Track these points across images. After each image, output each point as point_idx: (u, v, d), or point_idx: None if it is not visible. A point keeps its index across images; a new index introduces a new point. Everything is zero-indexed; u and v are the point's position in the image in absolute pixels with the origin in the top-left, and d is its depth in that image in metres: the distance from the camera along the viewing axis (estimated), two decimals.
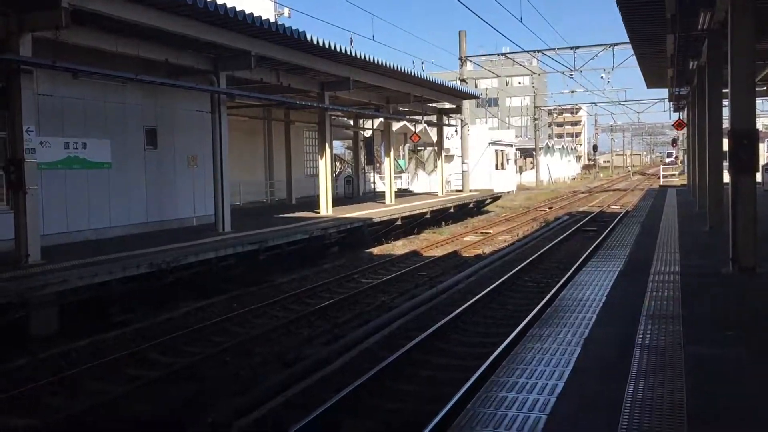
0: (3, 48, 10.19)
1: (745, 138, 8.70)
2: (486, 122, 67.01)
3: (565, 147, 75.78)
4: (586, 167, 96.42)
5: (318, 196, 20.15)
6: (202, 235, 14.31)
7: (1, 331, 8.82)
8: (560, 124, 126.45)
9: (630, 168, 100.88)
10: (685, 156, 48.30)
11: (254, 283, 13.41)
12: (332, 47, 15.77)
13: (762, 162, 32.12)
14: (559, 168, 68.42)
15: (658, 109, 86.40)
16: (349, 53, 16.69)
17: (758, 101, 43.71)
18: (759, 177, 27.09)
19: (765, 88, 24.00)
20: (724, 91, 12.69)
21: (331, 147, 22.12)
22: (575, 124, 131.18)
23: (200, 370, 8.21)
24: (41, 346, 9.06)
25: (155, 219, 15.83)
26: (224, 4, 12.12)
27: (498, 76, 57.04)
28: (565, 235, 20.23)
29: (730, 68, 8.85)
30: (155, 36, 12.66)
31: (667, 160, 75.19)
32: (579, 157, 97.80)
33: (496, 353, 7.63)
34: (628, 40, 18.25)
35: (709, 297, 7.65)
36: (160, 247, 12.39)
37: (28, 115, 10.54)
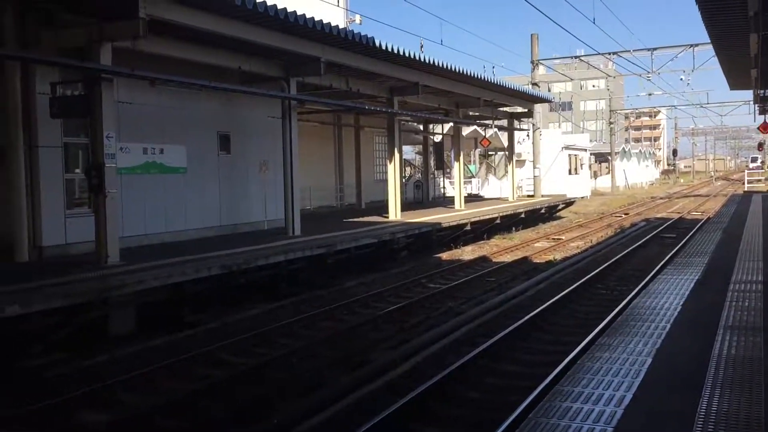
0: (85, 57, 10.66)
1: None
2: (559, 126, 65.72)
3: (642, 151, 73.50)
4: (665, 172, 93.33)
5: (387, 200, 20.21)
6: (273, 238, 14.56)
7: (83, 329, 9.20)
8: (637, 128, 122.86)
9: (712, 173, 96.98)
10: None
11: (322, 286, 13.55)
12: (400, 52, 15.80)
13: None
14: (637, 173, 66.43)
15: (742, 111, 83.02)
16: (417, 58, 16.68)
17: None
18: None
19: None
20: None
21: (400, 152, 22.17)
22: (654, 127, 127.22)
23: (267, 371, 8.33)
24: (119, 344, 9.41)
25: (228, 222, 16.22)
26: (294, 12, 12.31)
27: (571, 79, 56.02)
28: (641, 241, 19.60)
29: None
30: (228, 44, 12.99)
31: (752, 165, 71.84)
32: (657, 162, 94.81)
33: (564, 362, 7.43)
34: (708, 41, 17.57)
35: None
36: (232, 250, 12.67)
37: (109, 121, 10.98)
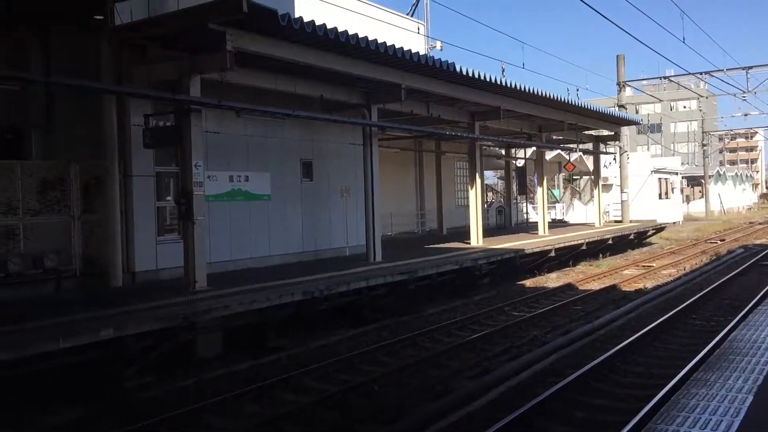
0: (176, 89, 11.11)
1: None
2: (648, 149, 63.62)
3: (738, 174, 70.14)
4: (764, 196, 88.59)
5: (469, 226, 20.00)
6: (354, 264, 14.63)
7: (172, 352, 9.46)
8: (733, 150, 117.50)
9: None
10: None
11: (404, 312, 13.47)
12: (481, 77, 15.71)
13: None
14: (733, 197, 63.39)
15: None
16: (498, 82, 16.54)
17: None
18: None
19: None
20: None
21: (482, 177, 21.95)
22: (750, 149, 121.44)
23: (349, 397, 8.30)
24: (206, 367, 9.62)
25: (310, 248, 16.43)
26: (375, 40, 12.46)
27: (660, 100, 54.24)
28: (739, 269, 18.58)
29: None
30: (311, 73, 13.27)
31: None
32: (755, 185, 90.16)
33: (657, 398, 7.04)
34: None
35: None
36: (314, 276, 12.80)
37: (197, 150, 11.37)
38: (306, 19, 10.95)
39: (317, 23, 11.16)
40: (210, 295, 10.76)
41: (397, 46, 13.04)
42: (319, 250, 16.64)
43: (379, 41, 12.61)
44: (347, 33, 11.78)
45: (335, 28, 11.51)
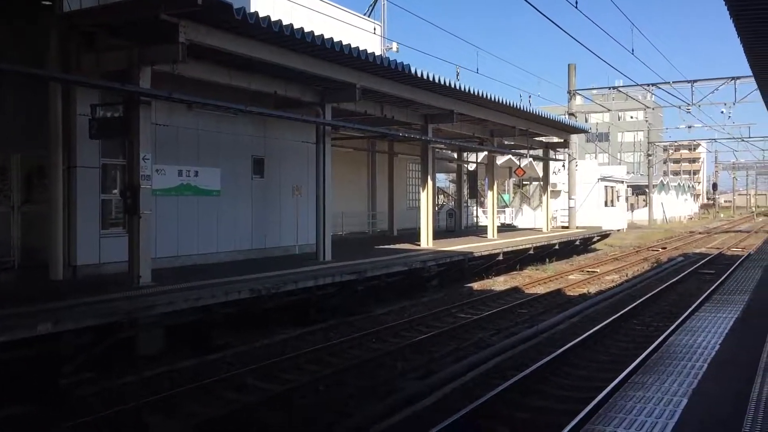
0: (125, 79, 10.87)
1: None
2: (596, 157, 65.03)
3: (681, 185, 72.32)
4: (704, 206, 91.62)
5: (419, 228, 20.12)
6: (303, 263, 14.55)
7: (111, 348, 9.24)
8: (677, 161, 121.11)
9: (753, 208, 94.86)
10: None
11: (352, 313, 13.46)
12: (436, 80, 15.82)
13: None
14: (675, 206, 65.31)
15: None
16: (452, 86, 16.68)
17: None
18: None
19: None
20: None
21: (433, 179, 22.10)
22: (693, 161, 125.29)
23: (293, 397, 8.24)
24: (147, 365, 9.42)
25: (259, 246, 16.29)
26: (331, 39, 12.43)
27: (609, 110, 55.57)
28: (679, 277, 19.14)
29: None
30: (266, 69, 13.15)
31: None
32: (697, 196, 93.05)
33: (596, 400, 7.19)
34: (750, 74, 17.24)
35: None
36: (262, 274, 12.68)
37: (145, 143, 11.14)
38: (262, 15, 10.85)
39: (273, 19, 11.06)
40: (154, 291, 10.55)
41: (353, 46, 13.03)
42: (268, 247, 16.49)
43: (336, 40, 12.58)
44: (303, 30, 11.71)
45: (291, 25, 11.44)
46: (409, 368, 9.68)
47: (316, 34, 12.06)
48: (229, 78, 13.02)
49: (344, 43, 12.80)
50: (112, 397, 8.12)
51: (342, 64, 13.82)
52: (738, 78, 31.07)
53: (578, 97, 35.74)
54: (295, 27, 11.53)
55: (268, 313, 11.82)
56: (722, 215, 79.75)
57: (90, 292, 10.12)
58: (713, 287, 15.90)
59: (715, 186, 79.91)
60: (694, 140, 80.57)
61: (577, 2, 16.75)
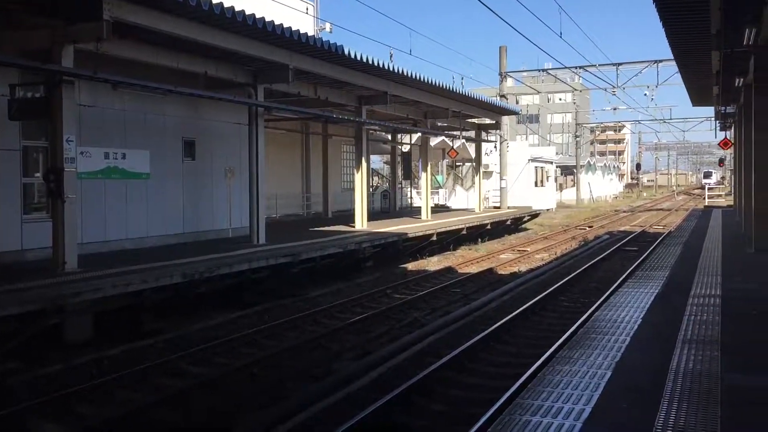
0: (46, 59, 10.42)
1: None
2: (526, 139, 66.34)
3: (607, 165, 74.64)
4: (628, 186, 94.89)
5: (354, 210, 20.14)
6: (237, 246, 14.38)
7: (37, 336, 8.95)
8: (603, 142, 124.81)
9: (675, 188, 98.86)
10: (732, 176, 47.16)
11: (287, 295, 13.43)
12: (369, 61, 15.80)
13: None
14: (601, 186, 67.40)
15: (704, 127, 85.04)
16: (386, 67, 16.69)
17: None
18: None
19: None
20: None
21: (368, 161, 22.15)
22: (618, 142, 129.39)
23: (228, 381, 8.19)
24: (75, 352, 9.18)
25: (191, 230, 15.99)
26: (263, 18, 12.23)
27: (539, 92, 56.62)
28: (604, 254, 19.84)
29: None
30: (195, 49, 12.83)
31: (704, 181, 73.19)
32: (622, 176, 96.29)
33: (525, 375, 7.42)
34: (672, 57, 17.88)
35: (751, 323, 7.35)
36: (195, 258, 12.48)
37: (69, 125, 10.74)
38: None
39: None
40: (81, 277, 10.24)
41: (285, 26, 12.86)
42: (200, 231, 16.21)
43: (268, 19, 12.39)
44: (233, 9, 11.48)
45: (221, 3, 11.19)
46: (345, 349, 9.76)
47: (247, 13, 11.84)
48: (157, 57, 12.63)
49: (276, 23, 12.62)
50: (41, 386, 7.89)
51: (274, 45, 13.63)
52: (660, 61, 32.15)
53: (509, 80, 36.31)
54: (226, 6, 11.28)
55: (201, 298, 11.67)
56: (645, 194, 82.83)
57: (12, 279, 9.74)
58: (636, 264, 16.57)
59: (638, 166, 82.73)
60: (619, 122, 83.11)
61: None
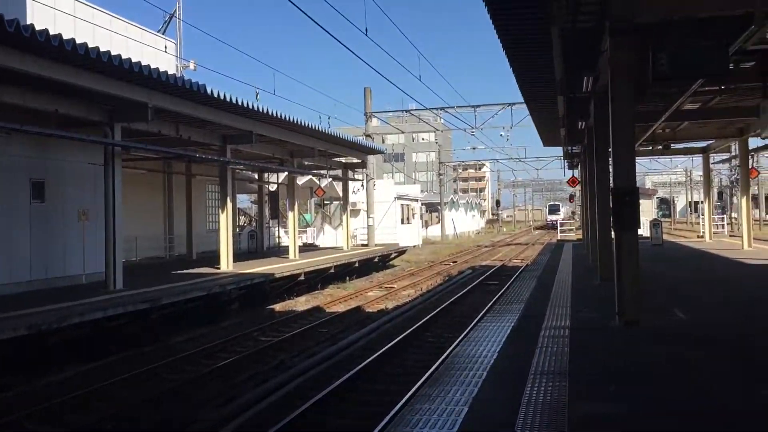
0: None
1: (627, 195, 9.13)
2: (392, 177, 68.05)
3: (469, 202, 77.81)
4: (489, 222, 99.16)
5: (219, 251, 19.68)
6: (92, 293, 13.60)
7: None
8: (465, 180, 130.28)
9: (531, 222, 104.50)
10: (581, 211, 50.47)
11: (147, 343, 12.83)
12: (233, 100, 15.67)
13: (649, 218, 34.07)
14: (464, 222, 70.00)
15: (556, 165, 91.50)
16: (250, 106, 16.62)
17: (646, 160, 46.64)
18: (647, 232, 28.67)
19: (650, 147, 25.52)
20: (609, 150, 13.40)
21: (234, 201, 21.81)
22: (479, 179, 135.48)
23: None
24: None
25: (40, 277, 14.96)
26: (119, 55, 11.85)
27: (403, 132, 58.39)
28: (467, 289, 20.55)
29: (612, 130, 9.34)
30: (44, 86, 12.19)
31: (550, 217, 77.78)
32: (483, 212, 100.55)
33: (387, 417, 7.49)
34: (523, 100, 19.08)
35: (595, 351, 7.85)
36: (43, 307, 11.67)
37: None
38: (40, 28, 10.08)
39: (53, 33, 10.32)
40: None
41: (143, 64, 12.51)
42: (51, 278, 15.20)
43: (125, 57, 12.00)
44: (86, 45, 11.05)
45: (72, 40, 10.75)
46: (209, 397, 9.43)
47: (103, 50, 11.42)
48: (2, 94, 11.87)
49: (134, 60, 12.25)
50: None
51: (132, 83, 13.22)
52: (514, 104, 34.27)
53: (375, 119, 37.27)
54: (78, 42, 10.84)
55: (53, 350, 10.90)
56: (505, 229, 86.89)
57: None
58: (495, 298, 17.27)
59: (498, 203, 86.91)
60: (479, 160, 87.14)
61: (367, 30, 17.55)
